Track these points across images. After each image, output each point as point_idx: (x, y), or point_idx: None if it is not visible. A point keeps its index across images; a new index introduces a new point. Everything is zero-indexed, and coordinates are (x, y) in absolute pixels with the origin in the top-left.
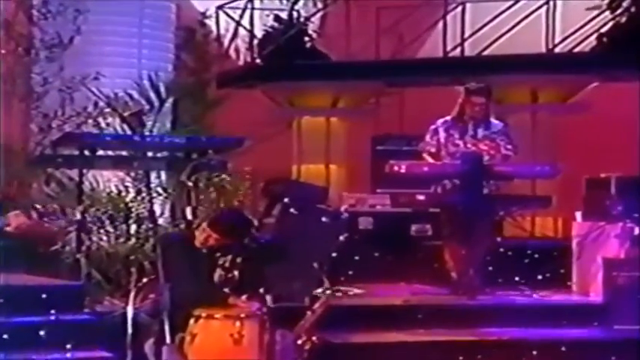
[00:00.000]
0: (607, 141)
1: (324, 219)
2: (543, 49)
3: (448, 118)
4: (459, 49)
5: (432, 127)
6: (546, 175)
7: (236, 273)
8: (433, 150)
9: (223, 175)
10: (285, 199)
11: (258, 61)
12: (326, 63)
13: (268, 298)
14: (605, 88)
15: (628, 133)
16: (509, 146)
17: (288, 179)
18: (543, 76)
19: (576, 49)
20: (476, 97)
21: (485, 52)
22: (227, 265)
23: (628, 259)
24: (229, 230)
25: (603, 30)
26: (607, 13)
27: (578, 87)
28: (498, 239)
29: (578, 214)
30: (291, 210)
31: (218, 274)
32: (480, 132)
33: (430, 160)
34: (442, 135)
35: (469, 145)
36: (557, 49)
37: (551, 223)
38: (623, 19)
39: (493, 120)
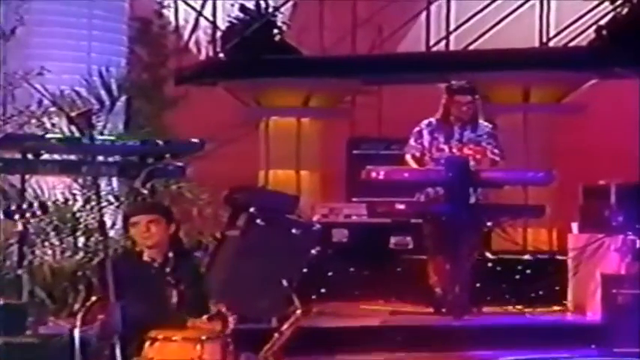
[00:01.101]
0: (606, 145)
1: (294, 231)
2: (536, 44)
3: (433, 119)
4: (443, 43)
5: (416, 129)
6: (539, 182)
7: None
8: (418, 155)
9: (182, 183)
10: (251, 209)
11: (221, 55)
12: (297, 58)
13: (231, 318)
14: (605, 86)
15: (629, 136)
16: (496, 150)
17: (254, 187)
18: (536, 72)
19: (572, 44)
20: (460, 96)
21: (473, 47)
22: (175, 281)
23: (629, 275)
24: (162, 207)
25: (602, 22)
26: (606, 3)
27: (575, 85)
28: (487, 253)
29: (575, 226)
30: (258, 221)
31: (176, 292)
32: (467, 135)
33: (415, 165)
34: (426, 138)
35: (455, 150)
36: (551, 44)
37: (544, 236)
38: (624, 11)
39: (482, 122)
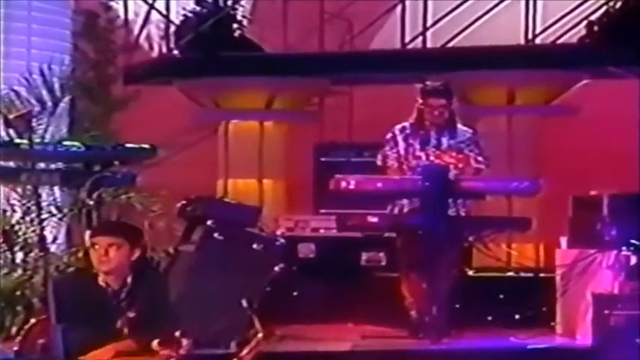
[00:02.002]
0: (599, 151)
1: (255, 246)
2: (522, 40)
3: (406, 124)
4: (419, 40)
5: (390, 135)
6: (525, 192)
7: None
8: (396, 165)
9: (132, 192)
10: (208, 222)
11: (175, 52)
12: (259, 55)
13: (186, 342)
14: (597, 86)
15: (625, 142)
16: (479, 158)
17: (211, 197)
18: (521, 72)
19: (561, 40)
20: (433, 98)
21: (452, 44)
22: (127, 302)
23: (622, 294)
24: (129, 230)
25: (593, 17)
26: None
27: (564, 85)
28: (467, 270)
29: (564, 240)
30: (215, 235)
31: (128, 318)
32: (445, 141)
33: (394, 175)
34: (401, 145)
35: (432, 157)
36: (538, 40)
37: (530, 251)
38: (617, 4)
39: (461, 126)
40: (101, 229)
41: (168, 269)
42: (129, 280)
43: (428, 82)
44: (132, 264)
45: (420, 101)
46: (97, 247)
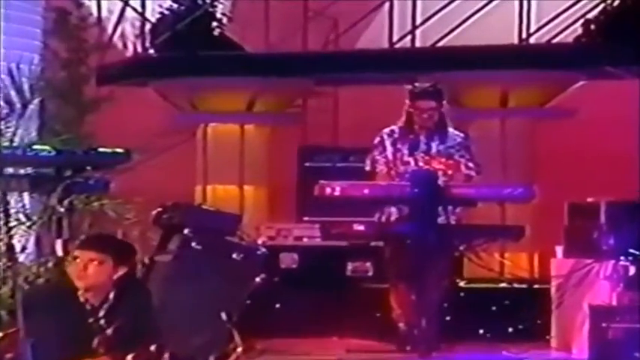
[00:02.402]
0: (596, 156)
1: (235, 256)
2: (515, 40)
3: (395, 127)
4: (408, 39)
5: (377, 139)
6: (518, 199)
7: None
8: (385, 170)
9: (105, 199)
10: (185, 231)
11: (151, 51)
12: (239, 55)
13: (162, 357)
14: (594, 87)
15: (622, 146)
16: (470, 164)
17: (189, 204)
18: (515, 72)
19: (557, 40)
20: (422, 100)
21: (442, 43)
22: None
23: (621, 306)
24: (115, 246)
25: (590, 15)
26: None
27: (559, 87)
28: (458, 281)
29: (559, 250)
30: (193, 244)
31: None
32: (434, 146)
33: (382, 181)
34: (389, 150)
35: (421, 163)
36: (532, 40)
37: (524, 261)
38: (616, 2)
39: (452, 130)
40: (84, 242)
41: (143, 280)
42: (111, 296)
43: (417, 84)
44: (115, 281)
45: (409, 104)
46: (77, 260)
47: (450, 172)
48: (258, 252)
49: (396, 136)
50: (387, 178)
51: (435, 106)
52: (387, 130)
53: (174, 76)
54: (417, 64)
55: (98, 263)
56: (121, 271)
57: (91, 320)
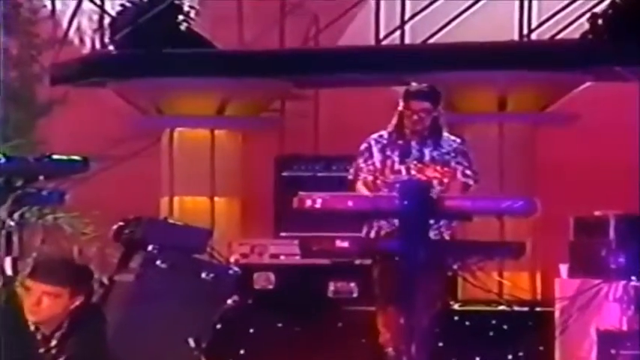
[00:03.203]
0: (603, 165)
1: (204, 275)
2: (515, 36)
3: (384, 133)
4: (396, 36)
5: (364, 146)
6: (518, 213)
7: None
8: (370, 179)
9: (60, 212)
10: (149, 247)
11: (110, 48)
12: (209, 52)
13: None
14: (601, 89)
15: (632, 154)
16: (468, 171)
17: (153, 218)
18: (515, 73)
19: (560, 36)
20: (416, 101)
21: (434, 40)
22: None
23: (631, 331)
24: (72, 276)
25: (598, 10)
26: None
27: (563, 89)
28: (452, 303)
29: (564, 268)
30: (157, 263)
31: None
32: (428, 152)
33: (367, 192)
34: (377, 157)
35: (413, 172)
36: (533, 36)
37: (525, 281)
38: None
39: (447, 135)
40: (37, 272)
41: (102, 303)
42: (64, 325)
43: (413, 84)
44: (71, 310)
45: (402, 104)
46: (29, 291)
47: (445, 180)
48: (230, 271)
49: (385, 142)
50: (372, 187)
51: (429, 108)
52: (375, 135)
53: (136, 76)
54: (406, 64)
55: (53, 297)
56: (77, 301)
57: (41, 350)
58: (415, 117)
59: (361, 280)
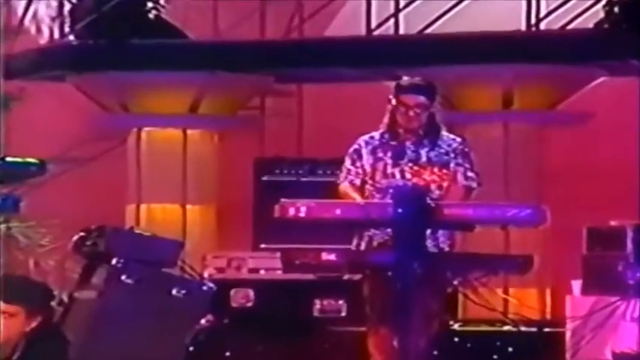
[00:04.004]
0: (618, 169)
1: (175, 292)
2: (522, 26)
3: (375, 133)
4: (389, 25)
5: (353, 147)
6: (525, 222)
7: None
8: (358, 183)
9: (14, 221)
10: (114, 261)
11: (70, 38)
12: (180, 44)
13: None
14: (616, 86)
15: None
16: (470, 173)
17: (117, 228)
18: (521, 67)
19: (572, 26)
20: (409, 95)
21: (431, 30)
22: None
23: None
24: (29, 295)
25: None
26: None
27: (575, 85)
28: (452, 323)
29: (576, 285)
30: (123, 278)
31: None
32: (424, 153)
33: (357, 198)
34: (367, 160)
35: (408, 175)
36: (542, 26)
37: (533, 298)
38: None
39: (446, 134)
40: None
41: (62, 322)
42: (21, 347)
43: (405, 78)
44: (28, 332)
45: (393, 100)
46: None
47: (445, 184)
48: (204, 287)
49: (376, 142)
50: (359, 193)
51: (424, 103)
52: (365, 136)
53: (99, 69)
54: (400, 57)
55: (8, 316)
56: (35, 322)
57: None
58: (411, 113)
59: (350, 297)
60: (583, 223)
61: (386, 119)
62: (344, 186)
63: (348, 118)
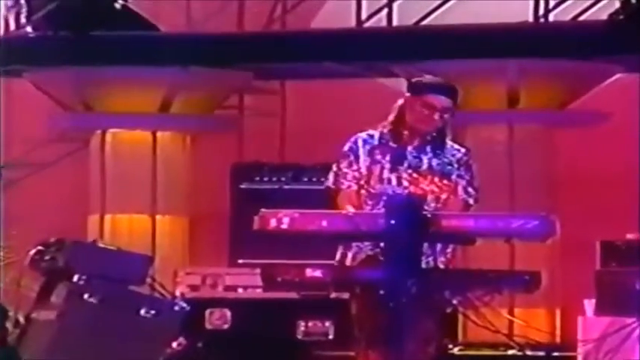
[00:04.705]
0: (634, 175)
1: (143, 312)
2: (530, 17)
3: (374, 132)
4: (382, 16)
5: (348, 145)
6: (532, 235)
7: None
8: (355, 187)
9: None
10: (75, 277)
11: (27, 29)
12: (150, 36)
13: None
14: (632, 83)
15: None
16: (470, 189)
17: (79, 241)
18: (528, 62)
19: (584, 17)
20: (436, 95)
21: (427, 22)
22: None
23: None
24: None
25: None
26: None
27: (587, 82)
28: (450, 347)
29: (589, 304)
30: (85, 296)
31: None
32: (427, 160)
33: (349, 207)
34: (364, 161)
35: (405, 182)
36: (551, 17)
37: (542, 319)
38: None
39: (450, 143)
40: None
41: (18, 345)
42: None
43: (427, 76)
44: None
45: (410, 98)
46: None
47: (444, 196)
48: (176, 307)
49: (375, 143)
50: (356, 201)
51: (451, 107)
52: (363, 134)
53: (59, 64)
54: (393, 51)
55: None
56: None
57: None
58: (436, 116)
59: (337, 317)
60: (597, 237)
61: (392, 117)
62: (339, 193)
63: (336, 119)
